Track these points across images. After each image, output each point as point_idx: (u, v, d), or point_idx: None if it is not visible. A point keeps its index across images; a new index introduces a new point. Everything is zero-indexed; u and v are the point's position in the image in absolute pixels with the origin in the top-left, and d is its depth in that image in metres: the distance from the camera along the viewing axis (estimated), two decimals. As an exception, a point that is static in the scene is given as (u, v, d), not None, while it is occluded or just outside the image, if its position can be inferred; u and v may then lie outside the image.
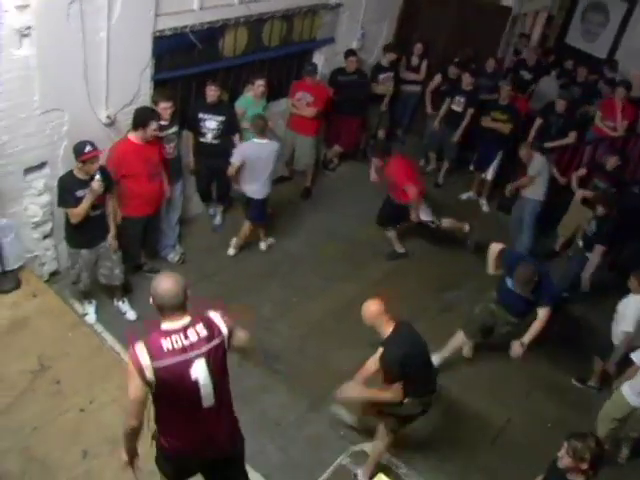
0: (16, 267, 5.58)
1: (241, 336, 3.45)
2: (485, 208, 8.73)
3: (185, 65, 6.50)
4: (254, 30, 7.03)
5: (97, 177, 5.02)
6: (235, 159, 6.38)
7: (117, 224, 5.53)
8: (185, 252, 6.78)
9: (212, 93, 6.44)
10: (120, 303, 5.94)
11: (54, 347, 5.16)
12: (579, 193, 7.45)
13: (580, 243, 6.83)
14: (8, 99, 5.07)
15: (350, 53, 8.14)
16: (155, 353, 3.11)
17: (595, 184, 7.32)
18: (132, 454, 3.52)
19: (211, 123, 6.57)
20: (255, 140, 6.39)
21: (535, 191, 7.29)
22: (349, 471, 4.98)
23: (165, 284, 3.17)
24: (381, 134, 8.92)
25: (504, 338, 5.69)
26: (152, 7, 5.75)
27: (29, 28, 4.94)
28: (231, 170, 6.43)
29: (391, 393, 4.35)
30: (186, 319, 3.22)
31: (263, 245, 7.10)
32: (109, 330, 5.68)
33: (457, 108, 8.46)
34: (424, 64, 9.11)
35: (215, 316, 3.35)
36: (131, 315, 5.90)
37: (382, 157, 6.81)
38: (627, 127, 8.31)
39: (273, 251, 7.15)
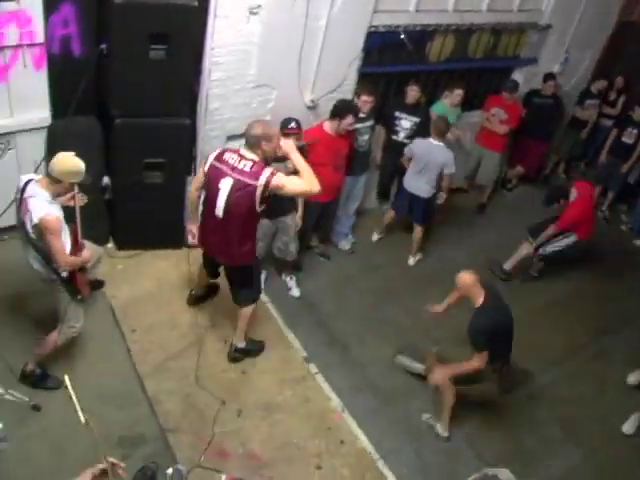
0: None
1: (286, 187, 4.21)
2: None
3: (391, 63, 6.66)
4: (462, 39, 7.07)
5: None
6: (406, 151, 6.49)
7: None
8: (356, 242, 6.90)
9: (413, 94, 6.55)
10: (288, 279, 6.13)
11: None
12: None
13: None
14: (226, 70, 5.45)
15: (550, 77, 8.01)
16: (218, 156, 4.32)
17: None
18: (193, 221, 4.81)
19: (406, 123, 6.68)
20: (431, 140, 6.35)
21: None
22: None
23: (257, 124, 4.30)
24: (561, 169, 8.71)
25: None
26: (371, 2, 5.94)
27: (259, 7, 5.28)
28: (403, 159, 6.57)
29: (477, 362, 4.62)
30: (248, 153, 4.25)
31: (412, 261, 6.95)
32: (274, 303, 5.87)
33: (628, 140, 8.11)
34: (621, 99, 8.71)
35: (267, 170, 4.16)
36: (295, 292, 6.08)
37: (558, 202, 6.70)
38: None
39: (440, 258, 7.05)
